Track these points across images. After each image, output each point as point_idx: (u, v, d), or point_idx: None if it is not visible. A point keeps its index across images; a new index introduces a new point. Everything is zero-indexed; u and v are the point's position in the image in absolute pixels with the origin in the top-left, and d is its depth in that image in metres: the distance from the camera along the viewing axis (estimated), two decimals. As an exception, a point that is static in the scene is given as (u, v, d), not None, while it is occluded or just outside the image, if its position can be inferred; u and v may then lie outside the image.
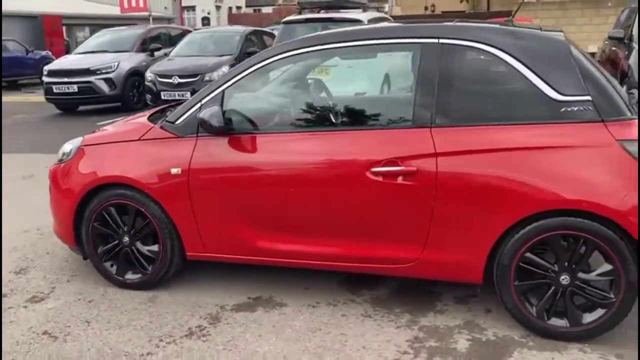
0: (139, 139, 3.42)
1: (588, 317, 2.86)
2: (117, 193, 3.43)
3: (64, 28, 25.50)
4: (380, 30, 3.36)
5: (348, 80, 3.50)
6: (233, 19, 45.93)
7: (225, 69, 10.43)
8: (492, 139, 2.88)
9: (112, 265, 3.58)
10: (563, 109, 2.82)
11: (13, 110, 12.32)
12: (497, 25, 3.17)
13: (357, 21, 9.13)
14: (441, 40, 3.00)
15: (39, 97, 13.33)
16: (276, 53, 3.23)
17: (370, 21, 9.32)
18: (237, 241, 3.30)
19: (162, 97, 10.26)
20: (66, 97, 11.31)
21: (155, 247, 3.47)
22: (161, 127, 3.38)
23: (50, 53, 20.82)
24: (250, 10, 64.47)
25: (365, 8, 9.75)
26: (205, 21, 55.58)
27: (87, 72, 11.17)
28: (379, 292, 3.47)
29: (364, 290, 3.49)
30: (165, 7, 34.98)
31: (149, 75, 10.61)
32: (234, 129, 3.22)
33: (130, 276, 3.56)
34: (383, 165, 2.95)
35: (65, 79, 11.22)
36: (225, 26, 18.57)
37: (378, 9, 10.62)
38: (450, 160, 2.89)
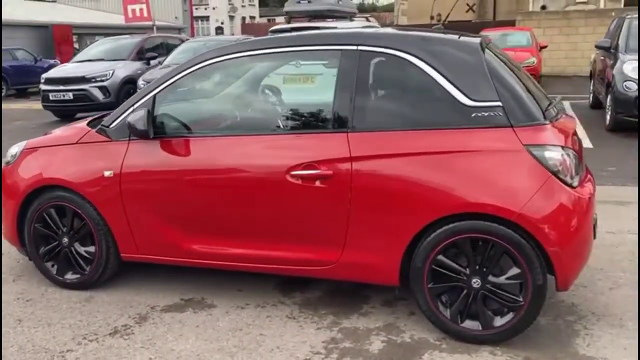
0: (76, 143, 3.52)
1: (499, 321, 2.89)
2: (56, 195, 3.53)
3: (74, 37, 25.92)
4: (306, 37, 3.43)
5: (277, 86, 3.58)
6: (247, 29, 46.32)
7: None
8: (404, 144, 2.93)
9: (52, 266, 3.67)
10: (473, 114, 2.87)
11: (13, 117, 12.60)
12: (414, 32, 3.22)
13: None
14: (359, 47, 3.07)
15: (42, 104, 13.63)
16: (206, 59, 3.31)
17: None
18: (167, 243, 3.37)
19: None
20: (62, 104, 11.54)
21: (92, 248, 3.55)
22: (97, 131, 3.47)
23: (58, 62, 21.14)
24: (264, 20, 65.08)
25: (352, 17, 9.83)
26: (219, 31, 56.18)
27: (83, 80, 11.39)
28: (311, 295, 3.51)
29: (297, 293, 3.54)
30: (175, 17, 35.42)
31: (140, 82, 10.78)
32: (164, 133, 3.30)
33: (69, 276, 3.65)
34: (302, 169, 3.01)
35: (61, 87, 11.45)
36: (223, 35, 18.61)
37: (367, 19, 10.69)
38: (364, 164, 2.94)
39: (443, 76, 2.92)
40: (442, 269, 2.91)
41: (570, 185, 2.79)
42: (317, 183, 3.00)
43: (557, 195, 2.76)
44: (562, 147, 2.82)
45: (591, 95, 10.95)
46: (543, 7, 22.21)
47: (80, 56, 13.08)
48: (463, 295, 2.91)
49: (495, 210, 2.76)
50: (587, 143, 8.06)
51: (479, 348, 2.90)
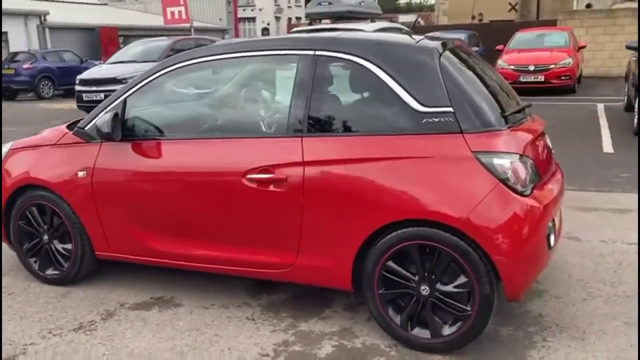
0: (55, 144, 3.66)
1: (447, 329, 2.85)
2: (36, 194, 3.69)
3: (120, 39, 26.74)
4: (268, 42, 3.46)
5: (238, 90, 3.63)
6: (292, 29, 46.59)
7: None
8: (355, 149, 2.92)
9: (35, 262, 3.83)
10: (424, 120, 2.83)
11: (52, 116, 13.10)
12: (370, 37, 3.20)
13: (361, 32, 9.20)
14: (316, 52, 3.08)
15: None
16: (171, 64, 3.39)
17: (376, 31, 9.37)
18: (135, 243, 3.47)
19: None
20: (94, 104, 11.86)
21: (69, 246, 3.69)
22: (74, 133, 3.60)
23: (102, 62, 21.89)
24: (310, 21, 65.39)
25: (374, 19, 9.78)
26: (265, 32, 56.75)
27: (114, 81, 11.74)
28: (276, 297, 3.54)
29: (264, 295, 3.58)
30: (220, 19, 36.01)
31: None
32: (134, 135, 3.40)
33: (50, 272, 3.80)
34: (257, 173, 3.05)
35: (94, 88, 11.87)
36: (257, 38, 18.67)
37: (391, 19, 10.61)
38: (315, 169, 2.95)
39: (396, 81, 2.90)
40: (392, 275, 2.89)
41: (520, 194, 2.73)
42: (272, 187, 3.03)
43: (504, 203, 2.70)
44: (514, 154, 2.76)
45: (625, 97, 10.57)
46: (588, 6, 21.54)
47: (114, 58, 13.51)
48: (412, 302, 2.88)
49: (440, 218, 2.73)
50: (608, 147, 7.80)
51: (428, 357, 2.87)
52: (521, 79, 13.89)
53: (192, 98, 3.67)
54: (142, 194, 3.38)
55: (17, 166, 3.78)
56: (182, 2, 18.82)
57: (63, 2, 28.53)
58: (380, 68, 2.94)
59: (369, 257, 2.90)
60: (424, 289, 2.84)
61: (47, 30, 24.15)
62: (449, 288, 2.81)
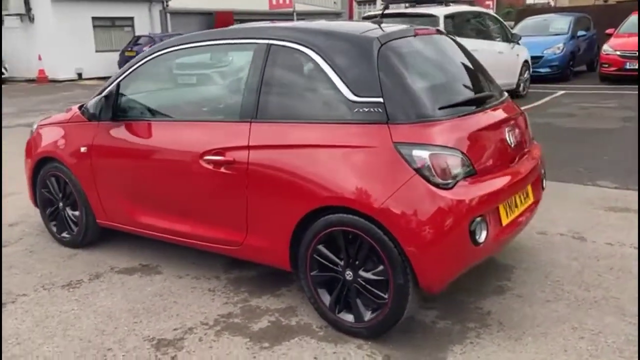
0: (67, 122, 4.12)
1: (368, 315, 2.90)
2: (53, 165, 4.18)
3: (235, 23, 27.94)
4: (229, 31, 3.61)
5: (205, 77, 3.83)
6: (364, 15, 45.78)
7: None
8: (292, 135, 3.03)
9: (54, 225, 4.35)
10: (356, 110, 2.88)
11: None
12: (319, 27, 3.26)
13: (430, 16, 9.05)
14: (270, 42, 3.21)
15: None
16: (151, 52, 3.69)
17: (447, 17, 9.16)
18: (123, 213, 3.84)
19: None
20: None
21: (77, 213, 4.15)
22: (80, 113, 4.03)
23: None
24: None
25: (448, 2, 9.53)
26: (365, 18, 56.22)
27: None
28: (246, 274, 3.75)
29: (236, 271, 3.81)
30: (334, 2, 36.29)
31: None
32: (123, 116, 3.75)
33: (64, 235, 4.30)
34: (212, 155, 3.26)
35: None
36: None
37: (471, 3, 10.21)
38: (257, 153, 3.11)
39: (334, 71, 2.97)
40: (321, 259, 2.99)
41: (438, 186, 2.70)
42: (223, 169, 3.23)
43: (418, 194, 2.69)
44: (434, 146, 2.73)
45: None
46: None
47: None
48: (339, 286, 2.97)
49: (358, 206, 2.78)
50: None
51: (350, 340, 2.94)
52: (627, 66, 12.80)
53: (167, 84, 3.95)
54: (125, 169, 3.73)
55: (40, 140, 4.29)
56: (286, -13, 19.41)
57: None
58: (322, 58, 3.01)
59: (302, 240, 3.02)
60: (349, 274, 2.92)
61: (168, 15, 25.87)
62: (369, 275, 2.86)
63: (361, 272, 2.88)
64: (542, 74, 13.74)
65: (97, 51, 23.20)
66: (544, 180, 3.63)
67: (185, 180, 3.43)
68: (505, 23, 11.30)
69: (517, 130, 3.30)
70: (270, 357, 2.82)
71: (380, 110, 2.82)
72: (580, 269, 3.67)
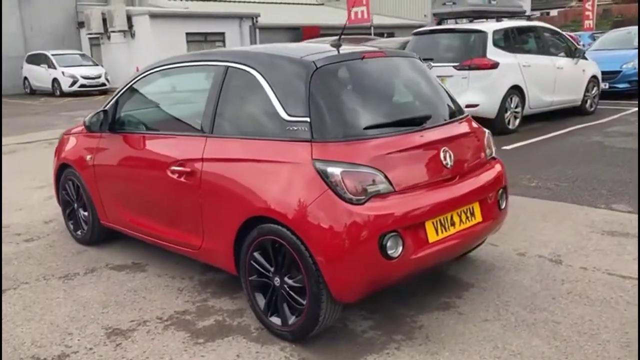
0: (80, 132, 4.64)
1: (292, 319, 3.10)
2: (69, 171, 4.73)
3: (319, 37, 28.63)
4: (201, 54, 3.94)
5: (179, 95, 4.21)
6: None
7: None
8: (235, 150, 3.32)
9: (71, 224, 4.91)
10: (287, 128, 3.11)
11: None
12: (268, 50, 3.51)
13: (478, 32, 9.00)
14: (228, 64, 3.52)
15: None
16: (141, 73, 4.12)
17: (497, 32, 9.07)
18: (117, 215, 4.29)
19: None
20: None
21: (86, 214, 4.67)
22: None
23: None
24: (536, 13, 61.56)
25: (500, 18, 9.40)
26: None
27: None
28: (219, 277, 4.05)
29: (210, 273, 4.12)
30: (425, 15, 36.14)
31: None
32: (120, 129, 4.20)
33: (78, 233, 4.83)
34: (176, 165, 3.62)
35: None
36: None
37: (529, 18, 9.90)
38: (208, 165, 3.42)
39: (273, 91, 3.22)
40: (256, 265, 3.23)
41: (349, 201, 2.86)
42: (183, 178, 3.57)
43: (329, 208, 2.87)
44: (348, 164, 2.90)
45: None
46: None
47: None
48: (270, 291, 3.20)
49: (281, 217, 3.00)
50: None
51: (277, 342, 3.16)
52: None
53: (149, 100, 4.36)
54: (116, 176, 4.19)
55: (62, 148, 4.87)
56: (364, 2, 19.70)
57: (272, 3, 31.54)
58: (265, 79, 3.28)
59: (242, 246, 3.28)
60: (277, 281, 3.14)
61: (257, 30, 27.03)
62: (292, 282, 3.07)
63: (286, 279, 3.10)
64: (620, 89, 13.05)
65: (189, 64, 24.65)
66: (502, 201, 3.64)
67: (158, 188, 3.81)
68: (568, 37, 10.88)
69: (458, 150, 3.36)
70: (199, 352, 3.10)
71: (306, 129, 3.03)
72: (537, 292, 3.63)
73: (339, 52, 3.44)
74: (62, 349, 3.18)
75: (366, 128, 3.09)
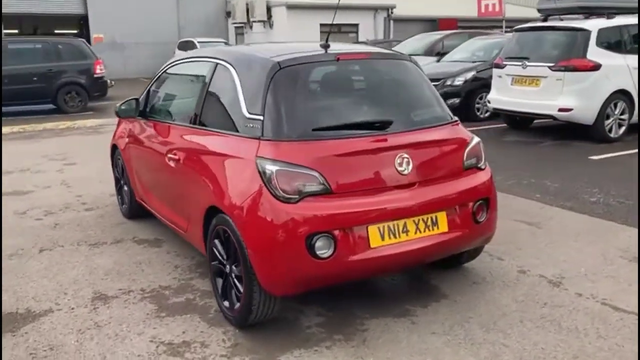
0: (125, 118, 5.16)
1: (236, 305, 3.28)
2: (117, 151, 5.30)
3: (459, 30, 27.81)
4: (204, 51, 4.21)
5: (185, 87, 4.48)
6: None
7: (469, 75, 10.76)
8: (209, 142, 3.56)
9: (119, 198, 5.49)
10: (246, 125, 3.27)
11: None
12: (242, 50, 3.68)
13: (581, 30, 8.36)
14: (217, 61, 3.75)
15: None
16: (165, 66, 4.49)
17: (603, 31, 8.35)
18: (144, 194, 4.75)
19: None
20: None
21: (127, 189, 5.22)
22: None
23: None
24: None
25: (611, 14, 8.56)
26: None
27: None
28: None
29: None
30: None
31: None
32: (150, 116, 4.62)
33: (123, 207, 5.40)
34: (169, 153, 3.95)
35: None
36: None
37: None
38: (187, 154, 3.71)
39: (241, 89, 3.40)
40: (216, 251, 3.45)
41: (281, 199, 2.96)
42: (174, 165, 3.89)
43: (262, 205, 2.99)
44: (283, 163, 2.99)
45: None
46: None
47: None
48: (224, 277, 3.40)
49: (225, 209, 3.19)
50: None
51: (224, 325, 3.35)
52: None
53: (164, 92, 4.69)
54: (139, 157, 4.65)
55: (115, 132, 5.44)
56: (496, -6, 18.87)
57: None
58: (238, 77, 3.46)
59: (207, 234, 3.52)
60: (227, 267, 3.33)
61: (392, 22, 26.97)
62: (236, 271, 3.24)
63: (233, 267, 3.28)
64: None
65: (321, 54, 25.29)
66: (482, 213, 3.49)
67: (162, 172, 4.17)
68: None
69: (421, 157, 3.28)
70: (154, 324, 3.39)
71: (258, 127, 3.18)
72: (508, 313, 3.44)
73: (326, 52, 3.52)
74: (51, 305, 3.65)
75: (315, 130, 3.16)
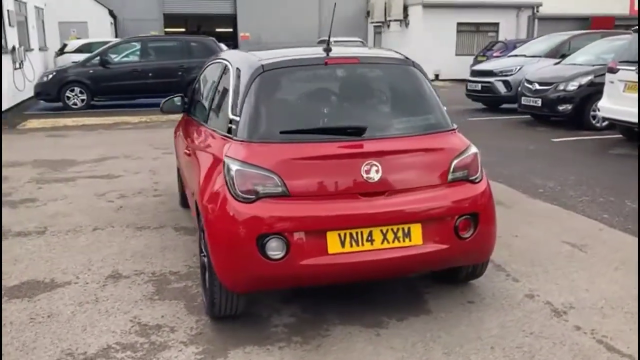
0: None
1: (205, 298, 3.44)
2: (176, 144, 5.73)
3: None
4: (224, 52, 4.34)
5: (208, 86, 4.59)
6: None
7: (584, 80, 9.89)
8: (203, 139, 3.77)
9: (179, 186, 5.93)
10: (228, 125, 3.41)
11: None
12: (241, 53, 3.78)
13: None
14: (227, 63, 3.92)
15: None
16: (204, 67, 4.75)
17: None
18: (182, 182, 5.10)
19: (522, 102, 10.70)
20: (474, 94, 12.99)
21: (179, 181, 5.63)
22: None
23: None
24: None
25: None
26: None
27: (491, 73, 12.48)
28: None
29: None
30: None
31: (525, 79, 11.03)
32: (188, 112, 4.95)
33: (180, 195, 5.82)
34: (187, 149, 4.22)
35: (476, 78, 12.89)
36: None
37: None
38: (192, 150, 3.96)
39: (233, 91, 3.51)
40: (201, 244, 3.63)
41: (238, 198, 3.05)
42: (188, 159, 4.17)
43: (221, 202, 3.11)
44: (242, 163, 3.08)
45: None
46: None
47: (517, 50, 13.96)
48: (206, 268, 3.56)
49: (199, 203, 3.37)
50: None
51: (200, 314, 3.52)
52: None
53: (199, 90, 4.90)
54: (177, 147, 4.99)
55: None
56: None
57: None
58: (234, 79, 3.58)
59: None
60: (205, 260, 3.50)
61: (536, 20, 25.35)
62: (206, 263, 3.40)
63: (205, 260, 3.44)
64: None
65: (456, 54, 24.62)
66: (467, 229, 3.28)
67: (183, 164, 4.46)
68: None
69: (394, 166, 3.18)
70: (143, 305, 3.66)
71: (235, 127, 3.30)
72: (484, 338, 3.21)
73: (327, 55, 3.55)
74: (72, 278, 4.09)
75: (283, 132, 3.20)
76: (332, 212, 3.08)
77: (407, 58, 3.72)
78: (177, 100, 4.97)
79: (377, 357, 3.04)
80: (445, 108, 3.62)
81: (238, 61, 3.74)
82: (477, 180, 3.40)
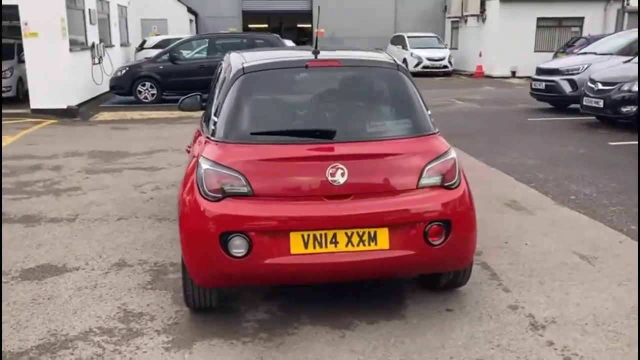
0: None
1: (186, 289, 3.60)
2: (201, 140, 5.95)
3: None
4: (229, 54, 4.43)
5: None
6: None
7: (650, 80, 9.25)
8: (195, 136, 3.91)
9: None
10: (211, 126, 3.54)
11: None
12: (246, 54, 3.88)
13: None
14: (222, 65, 4.06)
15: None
16: (218, 64, 4.90)
17: None
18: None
19: (584, 102, 10.16)
20: (538, 92, 12.46)
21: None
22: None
23: None
24: None
25: None
26: None
27: (556, 72, 11.93)
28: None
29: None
30: None
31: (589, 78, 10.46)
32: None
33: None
34: (187, 147, 4.41)
35: (542, 77, 12.36)
36: None
37: None
38: (189, 148, 4.09)
39: (218, 91, 3.67)
40: (189, 238, 3.80)
41: (204, 196, 3.18)
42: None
43: (190, 199, 3.25)
44: (211, 162, 3.20)
45: None
46: None
47: (589, 47, 13.24)
48: (189, 262, 3.74)
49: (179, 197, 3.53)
50: None
51: (181, 305, 3.68)
52: None
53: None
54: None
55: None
56: None
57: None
58: (224, 80, 3.72)
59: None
60: (188, 256, 3.67)
61: (626, 15, 23.78)
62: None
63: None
64: None
65: (535, 51, 23.59)
66: (439, 236, 3.24)
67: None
68: None
69: (361, 170, 3.18)
70: (134, 294, 3.87)
71: (214, 127, 3.43)
72: (445, 348, 3.16)
73: (316, 57, 3.61)
74: (81, 264, 4.39)
75: (253, 134, 3.29)
76: (295, 213, 3.14)
77: (392, 61, 3.69)
78: (196, 98, 5.17)
79: (333, 359, 3.08)
80: (429, 112, 3.58)
81: (231, 63, 3.86)
82: (453, 186, 3.34)
